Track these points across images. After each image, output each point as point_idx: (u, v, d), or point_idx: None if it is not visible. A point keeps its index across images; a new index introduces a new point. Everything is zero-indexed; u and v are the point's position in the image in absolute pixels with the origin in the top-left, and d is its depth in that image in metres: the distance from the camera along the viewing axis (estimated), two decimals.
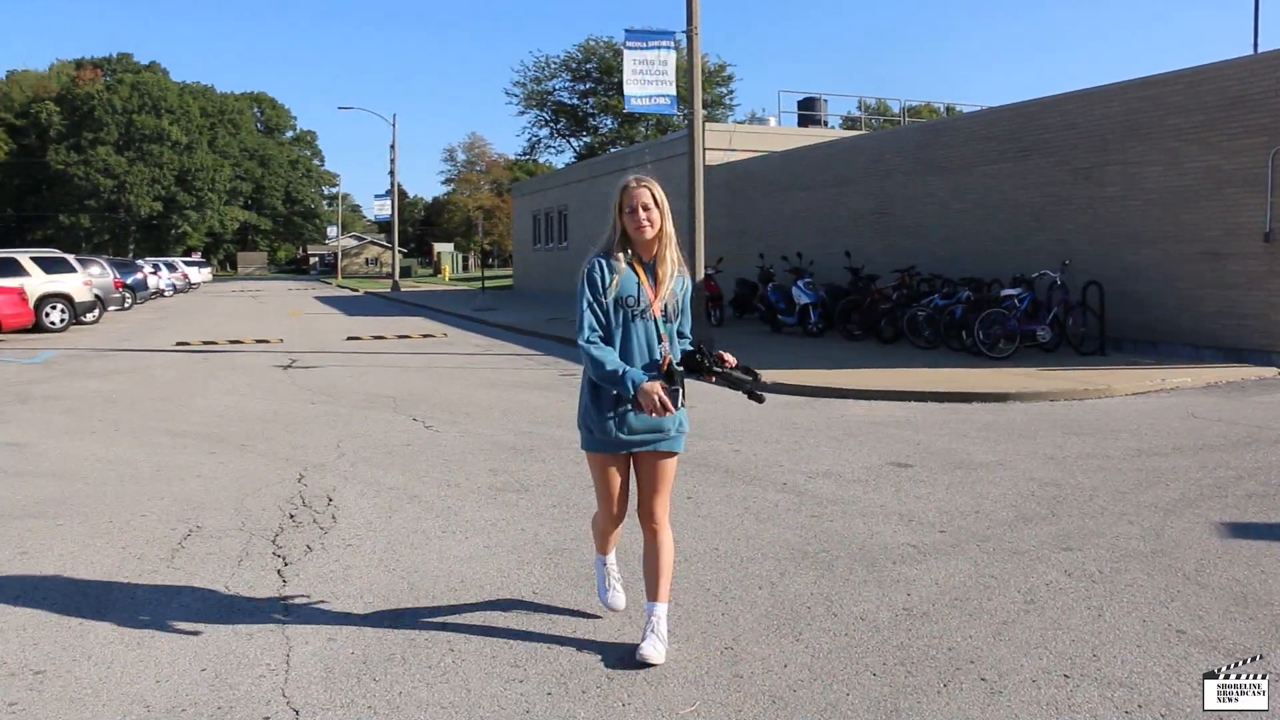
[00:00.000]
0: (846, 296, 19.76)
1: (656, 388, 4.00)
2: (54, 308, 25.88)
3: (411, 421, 10.72)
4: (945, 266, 19.08)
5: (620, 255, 4.22)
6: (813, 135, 29.77)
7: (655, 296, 4.23)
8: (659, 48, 17.17)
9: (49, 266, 26.45)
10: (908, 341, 17.46)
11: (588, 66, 70.64)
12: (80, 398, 12.95)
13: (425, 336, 22.05)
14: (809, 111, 34.04)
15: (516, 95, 72.65)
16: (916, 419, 10.61)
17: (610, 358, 4.11)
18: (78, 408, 12.03)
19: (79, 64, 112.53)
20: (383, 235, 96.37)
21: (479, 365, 16.21)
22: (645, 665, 4.24)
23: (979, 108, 21.34)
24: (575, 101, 72.86)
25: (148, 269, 42.85)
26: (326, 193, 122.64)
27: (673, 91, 17.47)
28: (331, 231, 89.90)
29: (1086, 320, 15.74)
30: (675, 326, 4.35)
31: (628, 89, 17.21)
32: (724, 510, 6.83)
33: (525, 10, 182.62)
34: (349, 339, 21.94)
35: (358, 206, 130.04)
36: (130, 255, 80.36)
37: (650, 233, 4.17)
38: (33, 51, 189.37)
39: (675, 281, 4.30)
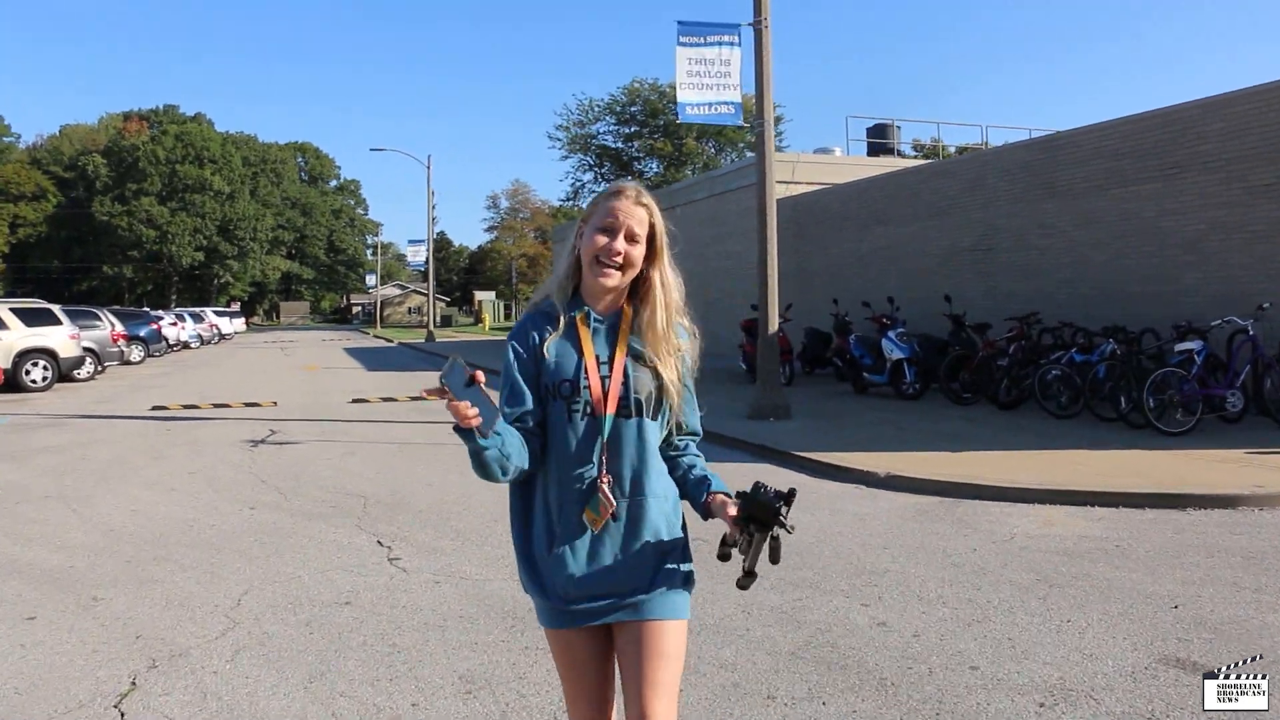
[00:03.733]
0: (948, 350, 16.20)
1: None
2: (35, 364, 22.95)
3: (375, 548, 7.28)
4: (1067, 312, 15.50)
5: (561, 303, 2.61)
6: (884, 165, 26.28)
7: (609, 380, 2.53)
8: (720, 44, 13.78)
9: (30, 319, 23.51)
10: (1035, 406, 13.82)
11: (632, 109, 68.57)
12: None
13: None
14: (880, 139, 30.52)
15: (560, 139, 70.31)
16: (1126, 542, 7.02)
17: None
18: None
19: (126, 116, 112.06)
20: (426, 284, 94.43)
21: None
22: None
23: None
24: (620, 145, 70.77)
25: (166, 320, 40.17)
26: (370, 242, 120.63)
27: (737, 98, 14.03)
28: (370, 280, 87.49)
29: None
30: (658, 425, 2.61)
31: (681, 95, 13.81)
32: None
33: (569, 53, 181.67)
34: (354, 401, 18.64)
35: (402, 256, 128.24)
36: (172, 305, 78.97)
37: (615, 279, 2.55)
38: (85, 105, 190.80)
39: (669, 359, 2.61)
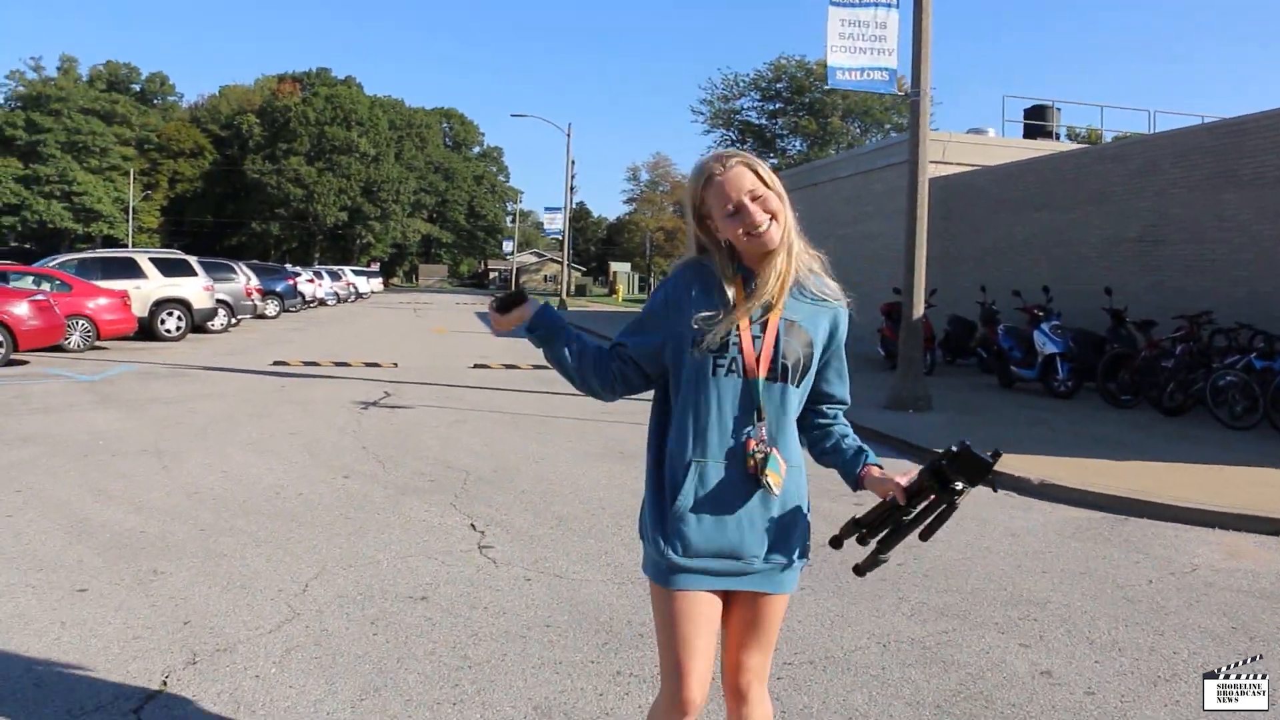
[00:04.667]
0: (1105, 347, 14.89)
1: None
2: (170, 314, 23.19)
3: (466, 532, 6.61)
4: (1244, 313, 14.01)
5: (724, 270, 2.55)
6: (1041, 148, 24.69)
7: (761, 341, 2.51)
8: (877, 5, 12.73)
9: (167, 269, 23.79)
10: (1203, 415, 12.50)
11: (777, 86, 67.38)
12: (54, 441, 9.44)
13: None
14: (1038, 121, 28.77)
15: (703, 113, 69.47)
16: None
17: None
18: (15, 465, 8.44)
19: (281, 78, 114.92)
20: (562, 253, 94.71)
21: (614, 416, 11.91)
22: None
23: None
24: (763, 122, 69.68)
25: (303, 277, 40.71)
26: (510, 209, 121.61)
27: (893, 64, 12.95)
28: (507, 246, 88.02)
29: None
30: (800, 392, 2.59)
31: (831, 59, 12.80)
32: None
33: (717, 29, 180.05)
34: (475, 365, 18.21)
35: (540, 224, 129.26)
36: (315, 263, 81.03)
37: (776, 233, 2.49)
38: (243, 66, 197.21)
39: (808, 316, 2.56)
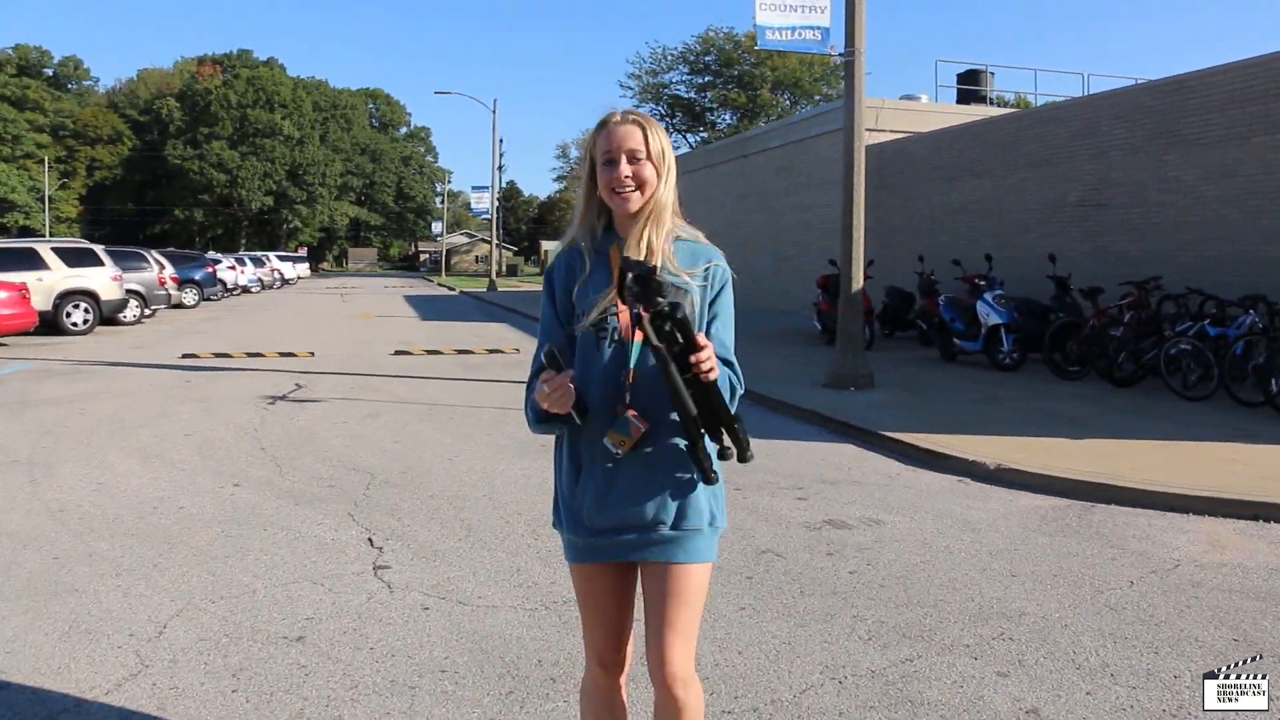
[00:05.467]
0: (1049, 316, 14.40)
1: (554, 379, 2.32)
2: (76, 306, 21.93)
3: (362, 549, 5.81)
4: (1194, 277, 13.59)
5: (588, 239, 2.60)
6: (975, 113, 24.24)
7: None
8: None
9: (72, 259, 22.48)
10: (1158, 384, 12.01)
11: (706, 59, 66.61)
12: None
13: (491, 352, 17.26)
14: (971, 86, 28.33)
15: (632, 88, 68.50)
16: None
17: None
18: None
19: (201, 60, 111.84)
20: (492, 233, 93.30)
21: None
22: None
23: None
24: (692, 95, 68.91)
25: (224, 264, 39.31)
26: (439, 189, 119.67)
27: (825, 23, 12.26)
28: (437, 228, 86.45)
29: None
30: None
31: (760, 17, 12.06)
32: None
33: (645, 2, 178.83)
34: (396, 353, 17.30)
35: (470, 204, 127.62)
36: (241, 249, 79.08)
37: (636, 200, 2.52)
38: (161, 49, 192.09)
39: (683, 279, 2.56)
